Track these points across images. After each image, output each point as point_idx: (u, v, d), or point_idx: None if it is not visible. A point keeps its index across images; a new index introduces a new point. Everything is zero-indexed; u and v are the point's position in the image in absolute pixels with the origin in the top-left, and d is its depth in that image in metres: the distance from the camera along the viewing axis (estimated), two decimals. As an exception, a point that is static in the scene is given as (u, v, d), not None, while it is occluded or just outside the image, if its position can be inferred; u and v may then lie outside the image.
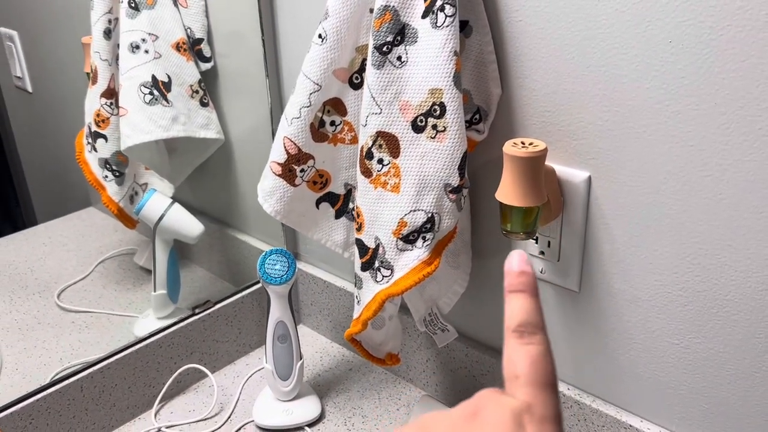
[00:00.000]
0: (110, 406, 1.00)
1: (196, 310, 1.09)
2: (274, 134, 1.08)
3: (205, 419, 1.02)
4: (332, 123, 0.87)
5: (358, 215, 0.83)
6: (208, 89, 1.06)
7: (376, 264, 0.81)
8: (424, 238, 0.78)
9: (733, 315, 0.71)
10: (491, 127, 0.83)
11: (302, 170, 0.88)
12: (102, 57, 0.95)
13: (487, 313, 0.94)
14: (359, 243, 0.83)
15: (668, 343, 0.77)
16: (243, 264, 1.17)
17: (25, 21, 0.91)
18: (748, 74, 0.63)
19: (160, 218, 1.03)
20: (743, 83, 0.63)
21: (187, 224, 1.05)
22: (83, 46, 0.95)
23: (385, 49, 0.75)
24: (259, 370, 1.13)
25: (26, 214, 0.97)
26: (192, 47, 1.03)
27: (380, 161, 0.79)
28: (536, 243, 0.83)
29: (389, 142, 0.78)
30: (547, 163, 0.78)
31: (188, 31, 1.02)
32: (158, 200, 1.03)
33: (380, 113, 0.77)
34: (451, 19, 0.71)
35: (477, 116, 0.81)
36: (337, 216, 0.93)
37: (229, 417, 1.02)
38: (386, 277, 0.81)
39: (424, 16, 0.73)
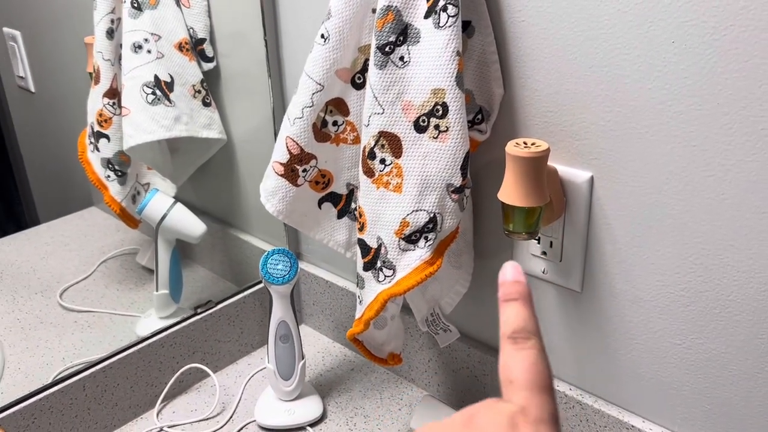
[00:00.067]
0: (112, 406, 1.00)
1: (198, 310, 1.09)
2: (276, 134, 1.08)
3: (207, 419, 1.02)
4: (335, 123, 0.87)
5: (361, 215, 0.83)
6: (210, 89, 1.06)
7: (379, 264, 0.81)
8: (426, 238, 0.78)
9: (736, 315, 0.71)
10: (493, 127, 0.83)
11: (304, 170, 0.88)
12: (105, 57, 0.95)
13: (489, 314, 0.94)
14: (361, 243, 0.83)
15: (670, 344, 0.77)
16: (245, 264, 1.17)
17: (27, 21, 0.91)
18: (751, 74, 0.63)
19: (163, 218, 1.03)
20: (746, 83, 0.63)
21: (190, 224, 1.05)
22: (86, 46, 0.96)
23: (387, 49, 0.75)
24: (261, 369, 1.13)
25: (29, 213, 0.97)
26: (194, 47, 1.03)
27: (383, 161, 0.79)
28: (538, 243, 0.83)
29: (392, 142, 0.78)
30: (550, 163, 0.78)
31: (191, 31, 1.02)
32: (160, 200, 1.03)
33: (383, 113, 0.77)
34: (454, 19, 0.71)
35: (479, 116, 0.81)
36: (340, 216, 0.93)
37: (231, 417, 1.02)
38: (388, 277, 0.81)
39: (426, 17, 0.73)
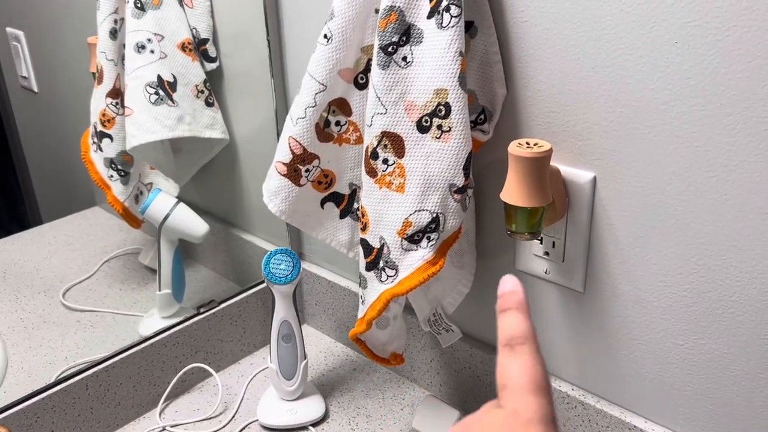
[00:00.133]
0: (115, 405, 1.00)
1: (201, 310, 1.09)
2: (278, 134, 1.08)
3: (210, 418, 1.02)
4: (337, 123, 0.87)
5: (363, 215, 0.83)
6: (213, 89, 1.06)
7: (381, 264, 0.82)
8: (428, 238, 0.78)
9: (738, 316, 0.71)
10: (496, 127, 0.83)
11: (307, 170, 0.88)
12: (108, 57, 0.96)
13: (492, 314, 0.94)
14: (364, 243, 0.83)
15: (673, 344, 0.77)
16: (248, 264, 1.17)
17: (31, 21, 0.91)
18: (754, 75, 0.63)
19: (165, 218, 1.03)
20: (749, 84, 0.63)
21: (192, 224, 1.05)
22: (89, 46, 0.96)
23: (390, 49, 0.75)
24: (263, 369, 1.13)
25: (31, 213, 0.97)
26: (197, 47, 1.04)
27: (385, 161, 0.79)
28: (541, 243, 0.83)
29: (394, 142, 0.78)
30: (552, 163, 0.78)
31: (194, 31, 1.03)
32: (163, 200, 1.03)
33: (385, 113, 0.77)
34: (457, 19, 0.71)
35: (482, 116, 0.81)
36: (342, 216, 0.93)
37: (233, 416, 1.03)
38: (391, 276, 0.81)
39: (429, 17, 0.73)
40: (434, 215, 0.77)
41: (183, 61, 1.01)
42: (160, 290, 1.07)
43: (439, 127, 0.75)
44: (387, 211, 0.80)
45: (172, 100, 1.00)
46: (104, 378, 0.98)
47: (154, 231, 1.05)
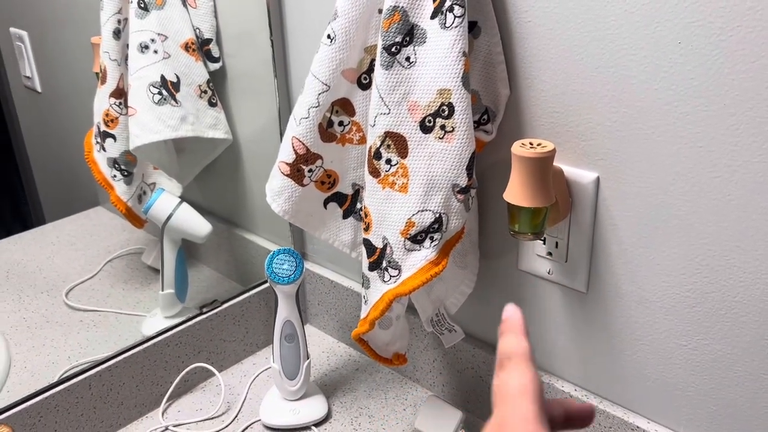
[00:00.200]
0: (118, 405, 1.00)
1: (204, 310, 1.09)
2: (282, 134, 1.08)
3: (212, 418, 1.02)
4: (340, 123, 0.87)
5: (366, 215, 0.83)
6: (216, 89, 1.06)
7: (384, 264, 0.82)
8: (431, 239, 0.79)
9: (742, 317, 0.71)
10: (499, 127, 0.83)
11: (310, 170, 0.88)
12: (111, 57, 0.96)
13: (495, 314, 0.95)
14: (367, 243, 0.83)
15: (676, 345, 0.77)
16: (250, 263, 1.18)
17: (34, 21, 0.91)
18: (758, 75, 0.63)
19: (168, 218, 1.03)
20: (753, 84, 0.63)
21: (195, 224, 1.06)
22: (92, 46, 0.96)
23: (393, 49, 0.75)
24: (266, 369, 1.13)
25: (35, 213, 0.97)
26: (201, 47, 1.04)
27: (388, 161, 0.79)
28: (544, 244, 0.83)
29: (397, 143, 0.78)
30: (556, 163, 0.78)
31: (197, 31, 1.03)
32: (166, 200, 1.04)
33: (389, 113, 0.77)
34: (460, 19, 0.71)
35: (485, 117, 0.81)
36: (345, 216, 0.94)
37: (236, 416, 1.03)
38: (394, 277, 0.81)
39: (432, 17, 0.73)
40: (437, 215, 0.77)
41: (186, 61, 1.01)
42: (163, 290, 1.07)
43: (443, 127, 0.75)
44: (390, 211, 0.80)
45: (175, 100, 1.00)
46: (107, 377, 0.98)
47: (157, 231, 1.05)
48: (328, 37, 0.81)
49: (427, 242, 0.79)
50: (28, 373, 0.95)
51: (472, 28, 0.77)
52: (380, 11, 0.79)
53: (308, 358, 1.01)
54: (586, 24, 0.72)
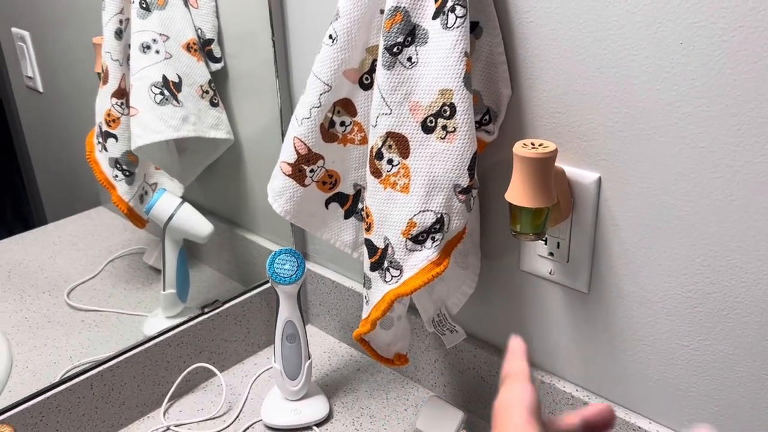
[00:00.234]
0: (119, 405, 1.01)
1: (205, 310, 1.09)
2: (283, 134, 1.08)
3: (214, 418, 1.02)
4: (342, 123, 0.87)
5: (368, 215, 0.83)
6: (218, 90, 1.06)
7: (386, 264, 0.82)
8: (433, 239, 0.78)
9: (744, 317, 0.71)
10: (501, 128, 0.83)
11: (312, 170, 0.88)
12: (113, 57, 0.96)
13: (496, 314, 0.94)
14: (368, 243, 0.83)
15: (678, 345, 0.77)
16: (252, 264, 1.18)
17: (36, 21, 0.91)
18: (760, 76, 0.63)
19: (170, 218, 1.03)
20: (755, 85, 0.63)
21: (197, 224, 1.06)
22: (94, 47, 0.96)
23: (395, 49, 0.75)
24: (267, 369, 1.13)
25: (36, 213, 0.97)
26: (202, 48, 1.04)
27: (390, 162, 0.79)
28: (545, 244, 0.83)
29: (399, 143, 0.78)
30: (557, 164, 0.78)
31: (199, 31, 1.03)
32: (168, 200, 1.04)
33: (390, 114, 0.77)
34: (462, 20, 0.71)
35: (487, 117, 0.81)
36: (347, 216, 0.94)
37: (237, 416, 1.03)
38: (395, 277, 0.81)
39: (434, 17, 0.73)
40: (439, 216, 0.77)
41: (188, 61, 1.01)
42: (164, 290, 1.07)
43: (444, 127, 0.75)
44: (391, 211, 0.80)
45: (177, 100, 1.00)
46: (109, 377, 0.98)
47: (159, 231, 1.05)
48: (330, 37, 0.81)
49: (428, 242, 0.79)
50: (30, 372, 0.95)
51: (474, 28, 0.77)
52: (382, 11, 0.79)
53: (309, 359, 1.01)
54: (588, 24, 0.72)
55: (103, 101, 0.97)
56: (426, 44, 0.74)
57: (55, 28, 0.93)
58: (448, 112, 0.74)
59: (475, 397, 1.00)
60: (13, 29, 0.90)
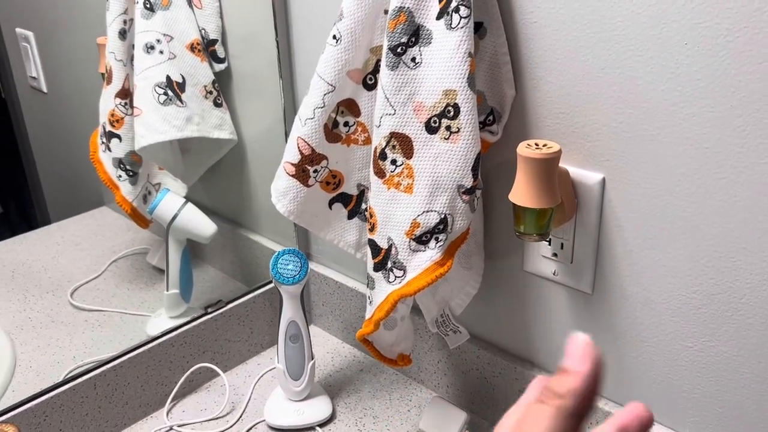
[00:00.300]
0: (123, 404, 1.01)
1: (209, 310, 1.09)
2: (287, 135, 1.08)
3: (217, 418, 1.02)
4: (346, 124, 0.87)
5: (371, 216, 0.83)
6: (221, 90, 1.06)
7: (389, 264, 0.82)
8: (436, 239, 0.78)
9: (748, 318, 0.71)
10: (505, 128, 0.83)
11: (315, 171, 0.88)
12: (117, 57, 0.96)
13: (499, 315, 0.94)
14: (372, 243, 0.83)
15: (682, 346, 0.77)
16: (255, 264, 1.18)
17: (40, 22, 0.92)
18: (765, 76, 0.63)
19: (174, 218, 1.03)
20: (760, 86, 0.63)
21: (200, 224, 1.06)
22: (98, 47, 0.96)
23: (399, 50, 0.75)
24: (270, 369, 1.13)
25: (40, 213, 0.97)
26: (206, 48, 1.04)
27: (393, 162, 0.79)
28: (549, 245, 0.83)
29: (403, 143, 0.78)
30: (561, 164, 0.78)
31: (203, 32, 1.03)
32: (171, 200, 1.04)
33: (394, 114, 0.77)
34: (466, 20, 0.71)
35: (491, 117, 0.81)
36: (350, 216, 0.94)
37: (240, 416, 1.03)
38: (399, 277, 0.81)
39: (438, 18, 0.73)
40: (442, 216, 0.77)
41: (192, 61, 1.01)
42: (167, 290, 1.07)
43: (448, 128, 0.75)
44: (395, 211, 0.80)
45: (180, 100, 1.00)
46: (112, 377, 0.98)
47: (162, 231, 1.05)
48: (334, 37, 0.81)
49: (432, 243, 0.79)
50: (34, 372, 0.95)
51: (478, 28, 0.77)
52: (386, 12, 0.79)
53: (313, 359, 1.01)
54: (592, 25, 0.72)
55: (107, 101, 0.97)
56: (430, 44, 0.74)
57: (59, 29, 0.93)
58: (452, 113, 0.74)
59: (478, 398, 1.00)
60: (18, 30, 0.90)
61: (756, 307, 0.70)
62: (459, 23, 0.71)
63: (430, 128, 0.76)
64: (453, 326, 0.93)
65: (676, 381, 0.79)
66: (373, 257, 0.83)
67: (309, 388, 1.02)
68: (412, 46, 0.75)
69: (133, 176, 1.02)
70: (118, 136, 0.99)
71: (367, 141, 0.88)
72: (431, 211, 0.77)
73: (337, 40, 0.80)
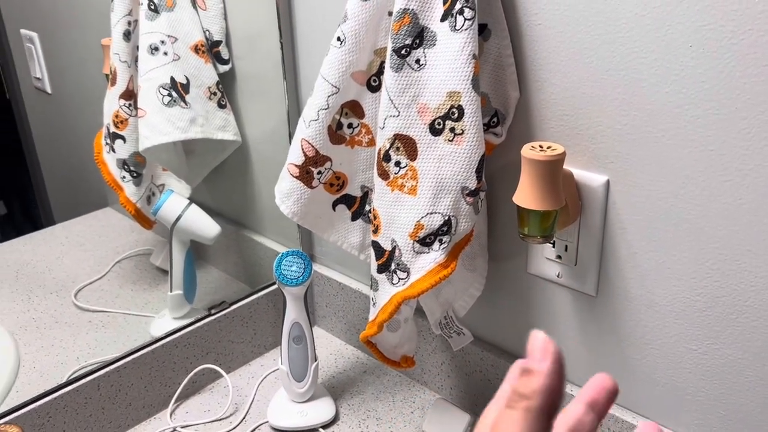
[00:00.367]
0: (126, 405, 1.01)
1: (212, 311, 1.10)
2: (291, 136, 1.08)
3: (220, 419, 1.02)
4: (350, 125, 0.87)
5: (375, 217, 0.83)
6: (225, 91, 1.06)
7: (393, 266, 0.82)
8: (440, 241, 0.78)
9: (753, 321, 0.71)
10: (509, 130, 0.83)
11: (319, 172, 0.88)
12: (121, 59, 0.96)
13: (503, 317, 0.94)
14: (375, 245, 0.83)
15: (686, 349, 0.77)
16: (259, 265, 1.18)
17: (45, 23, 0.92)
18: (769, 79, 0.62)
19: (177, 219, 1.03)
20: (765, 88, 0.63)
21: (204, 225, 1.06)
22: (103, 48, 0.96)
23: (403, 52, 0.75)
24: (274, 371, 1.13)
25: (44, 213, 0.97)
26: (210, 49, 1.04)
27: (397, 164, 0.79)
28: (553, 247, 0.83)
29: (407, 145, 0.78)
30: (566, 166, 0.78)
31: (207, 33, 1.03)
32: (175, 201, 1.04)
33: (398, 116, 0.77)
34: (470, 22, 0.71)
35: (495, 119, 0.81)
36: (354, 218, 0.93)
37: (243, 418, 1.03)
38: (402, 279, 0.81)
39: (443, 20, 0.73)
40: (446, 218, 0.77)
41: (196, 63, 1.02)
42: (171, 291, 1.07)
43: (452, 129, 0.74)
44: (399, 213, 0.80)
45: (184, 101, 1.00)
46: (115, 378, 0.98)
47: (166, 232, 1.05)
48: (338, 39, 0.81)
49: (436, 245, 0.79)
50: (37, 373, 0.95)
51: (482, 30, 0.77)
52: (390, 14, 0.79)
53: (316, 360, 1.01)
54: (597, 27, 0.72)
55: (111, 102, 0.97)
56: (434, 46, 0.74)
57: (63, 30, 0.94)
58: (456, 115, 0.74)
59: (481, 400, 1.00)
60: (22, 30, 0.90)
61: (761, 310, 0.70)
62: (463, 25, 0.71)
63: (435, 130, 0.76)
64: (456, 328, 0.92)
65: (680, 384, 0.79)
66: (377, 259, 0.83)
67: (312, 390, 1.02)
68: (416, 48, 0.75)
69: (137, 177, 1.02)
70: (123, 137, 0.99)
71: (371, 143, 0.88)
72: (435, 212, 0.77)
73: (342, 42, 0.80)
